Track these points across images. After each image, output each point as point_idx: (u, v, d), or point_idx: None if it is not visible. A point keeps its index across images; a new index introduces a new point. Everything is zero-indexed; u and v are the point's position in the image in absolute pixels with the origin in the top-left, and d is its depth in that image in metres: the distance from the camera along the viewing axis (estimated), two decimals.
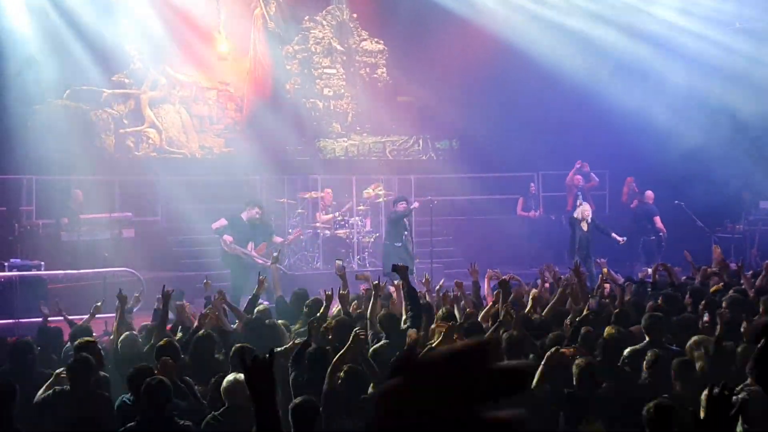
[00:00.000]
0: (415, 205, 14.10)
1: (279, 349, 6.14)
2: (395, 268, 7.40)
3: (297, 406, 4.46)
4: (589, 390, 5.37)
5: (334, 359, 5.52)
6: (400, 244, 13.24)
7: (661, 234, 14.99)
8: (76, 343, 6.31)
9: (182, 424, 5.05)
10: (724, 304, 7.43)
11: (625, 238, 14.10)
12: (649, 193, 15.47)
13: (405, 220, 13.50)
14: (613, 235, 14.11)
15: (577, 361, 5.55)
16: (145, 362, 5.85)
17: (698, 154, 15.82)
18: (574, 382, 5.44)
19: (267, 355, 2.95)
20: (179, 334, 7.41)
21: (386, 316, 7.06)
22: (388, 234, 13.58)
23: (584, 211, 13.84)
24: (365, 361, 5.69)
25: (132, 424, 5.01)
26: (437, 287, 9.15)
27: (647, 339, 6.35)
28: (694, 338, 6.15)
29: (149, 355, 6.33)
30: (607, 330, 6.43)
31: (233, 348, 5.89)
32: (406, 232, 13.43)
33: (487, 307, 7.43)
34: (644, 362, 5.76)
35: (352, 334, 5.68)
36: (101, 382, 5.92)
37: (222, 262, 12.33)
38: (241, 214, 12.23)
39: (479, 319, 6.91)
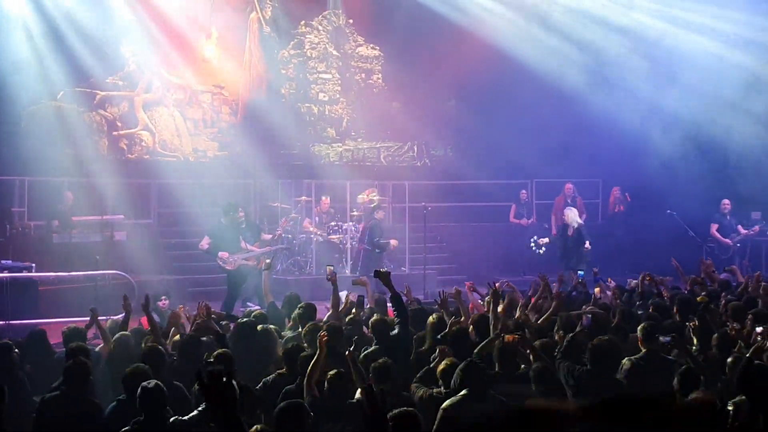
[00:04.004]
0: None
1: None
2: (377, 274, 7.34)
3: (280, 411, 4.44)
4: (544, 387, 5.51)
5: (309, 367, 5.50)
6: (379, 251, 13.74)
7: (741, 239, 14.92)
8: (70, 347, 6.26)
9: (176, 422, 5.05)
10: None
11: (588, 246, 13.67)
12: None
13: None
14: (587, 243, 13.78)
15: (534, 365, 5.62)
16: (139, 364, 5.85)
17: (690, 165, 15.84)
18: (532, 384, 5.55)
19: (220, 370, 2.95)
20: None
21: (377, 321, 7.06)
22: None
23: (571, 215, 13.71)
24: (355, 365, 5.68)
25: (126, 428, 5.00)
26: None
27: (644, 349, 6.34)
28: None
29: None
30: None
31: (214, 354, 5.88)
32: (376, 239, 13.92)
33: (472, 315, 7.46)
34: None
35: (318, 340, 5.69)
36: (91, 387, 5.91)
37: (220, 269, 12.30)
38: (221, 219, 12.13)
39: (470, 329, 6.91)
